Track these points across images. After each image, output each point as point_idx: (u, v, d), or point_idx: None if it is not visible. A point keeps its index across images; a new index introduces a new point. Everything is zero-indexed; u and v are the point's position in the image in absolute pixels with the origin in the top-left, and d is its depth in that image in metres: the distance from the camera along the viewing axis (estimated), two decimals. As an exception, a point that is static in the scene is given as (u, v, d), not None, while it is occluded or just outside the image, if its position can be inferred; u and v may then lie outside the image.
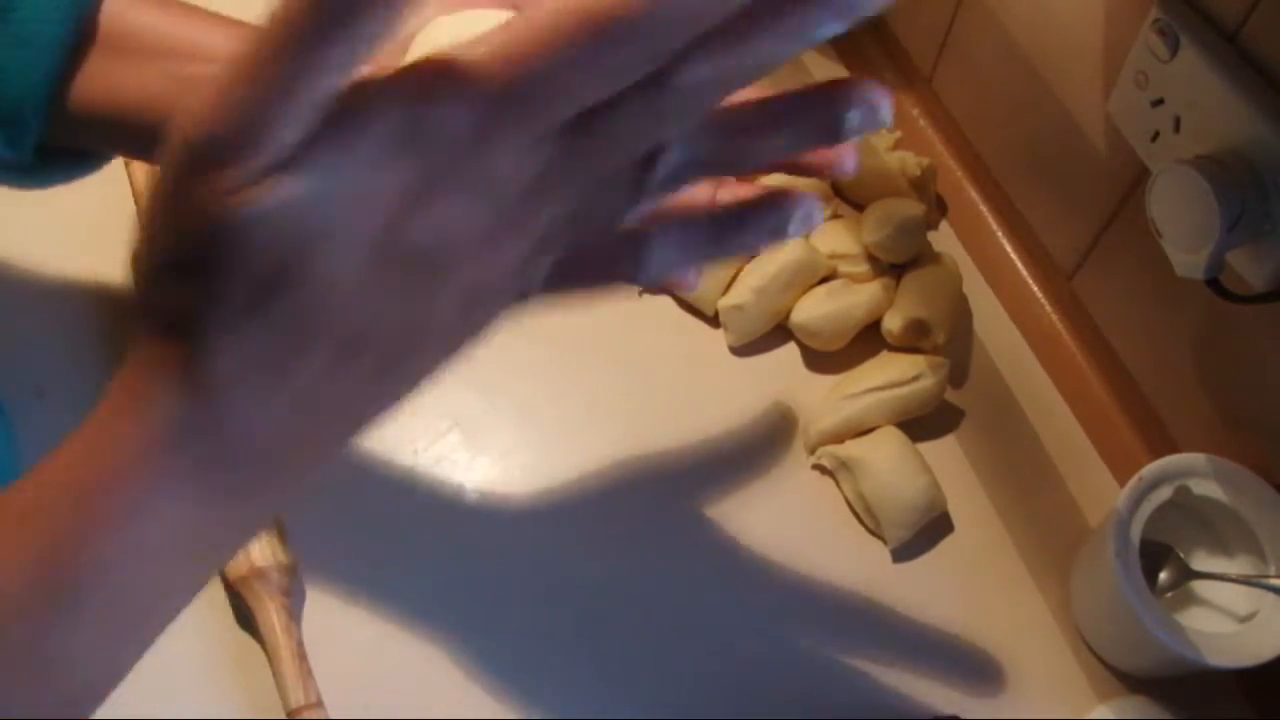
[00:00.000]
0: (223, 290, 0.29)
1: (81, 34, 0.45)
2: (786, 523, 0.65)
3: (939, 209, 0.77)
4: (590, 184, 0.31)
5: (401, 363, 0.33)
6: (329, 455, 0.34)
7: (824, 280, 0.70)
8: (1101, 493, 0.67)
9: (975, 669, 0.62)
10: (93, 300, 0.69)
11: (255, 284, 0.29)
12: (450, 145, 0.28)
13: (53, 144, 0.48)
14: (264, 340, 0.30)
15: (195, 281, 0.29)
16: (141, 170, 0.71)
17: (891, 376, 0.66)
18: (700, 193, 0.38)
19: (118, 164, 0.71)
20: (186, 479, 0.31)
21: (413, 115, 0.28)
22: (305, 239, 0.28)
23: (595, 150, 0.30)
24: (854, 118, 0.32)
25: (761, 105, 0.32)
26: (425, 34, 0.38)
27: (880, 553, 0.65)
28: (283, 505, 0.36)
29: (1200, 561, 0.61)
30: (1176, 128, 0.53)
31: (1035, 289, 0.73)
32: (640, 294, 0.73)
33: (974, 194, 0.77)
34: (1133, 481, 0.59)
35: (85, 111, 0.46)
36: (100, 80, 0.46)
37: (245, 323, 0.29)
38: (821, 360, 0.71)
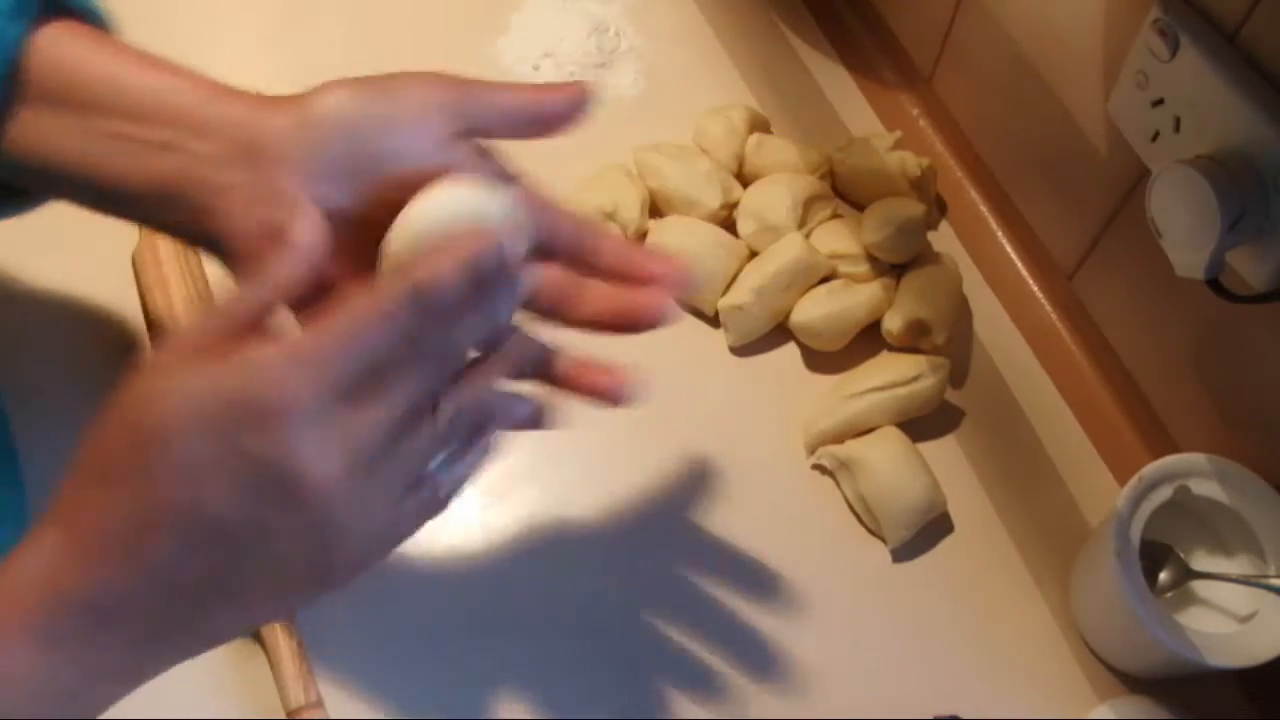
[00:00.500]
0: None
1: (10, 83, 0.43)
2: (786, 523, 0.65)
3: (939, 209, 0.77)
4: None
5: (252, 572, 0.36)
6: (191, 636, 0.39)
7: (824, 280, 0.70)
8: (1101, 493, 0.67)
9: (975, 669, 0.62)
10: (93, 301, 0.69)
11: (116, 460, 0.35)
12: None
13: None
14: (121, 512, 0.35)
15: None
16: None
17: (891, 376, 0.66)
18: None
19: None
20: (40, 624, 0.35)
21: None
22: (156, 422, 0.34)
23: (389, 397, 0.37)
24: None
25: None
26: (413, 210, 0.40)
27: (880, 553, 0.65)
28: (147, 667, 0.39)
29: (1200, 561, 0.61)
30: (1176, 128, 0.53)
31: (1035, 289, 0.73)
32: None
33: (974, 194, 0.77)
34: (1133, 481, 0.59)
35: (18, 159, 0.45)
36: (32, 132, 0.44)
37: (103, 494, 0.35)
38: (821, 360, 0.71)
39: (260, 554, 0.35)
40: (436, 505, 0.41)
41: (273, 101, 0.42)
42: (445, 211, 0.39)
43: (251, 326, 0.36)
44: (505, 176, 0.46)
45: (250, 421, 0.34)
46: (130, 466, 0.35)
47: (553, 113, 0.46)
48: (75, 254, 0.69)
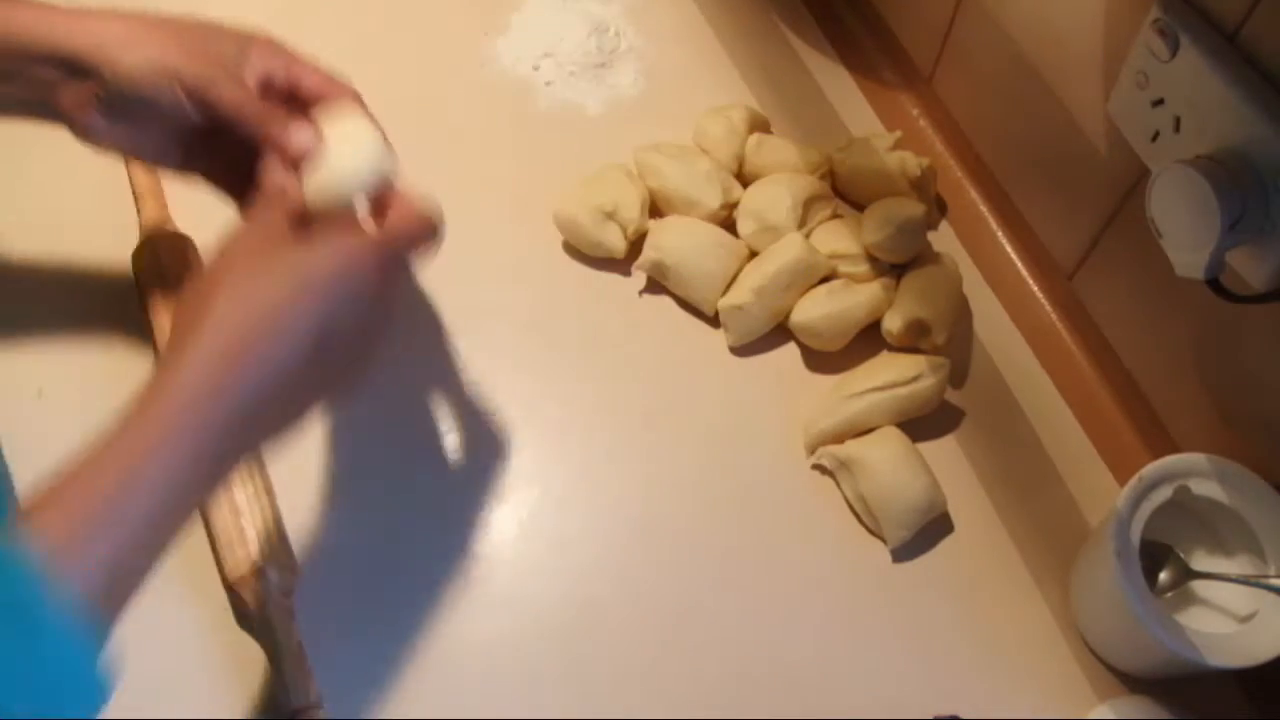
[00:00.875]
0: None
1: None
2: (786, 523, 0.65)
3: (939, 209, 0.77)
4: None
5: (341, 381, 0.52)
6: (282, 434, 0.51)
7: (824, 280, 0.70)
8: (1101, 493, 0.67)
9: (975, 669, 0.62)
10: (93, 300, 0.69)
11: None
12: None
13: None
14: (285, 352, 0.47)
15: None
16: (141, 173, 0.71)
17: (891, 376, 0.66)
18: None
19: (118, 166, 0.71)
20: (205, 424, 0.45)
21: None
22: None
23: None
24: None
25: None
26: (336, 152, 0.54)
27: (880, 553, 0.65)
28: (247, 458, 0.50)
29: (1200, 561, 0.61)
30: (1176, 128, 0.53)
31: (1035, 289, 0.73)
32: (640, 294, 0.73)
33: (974, 194, 0.77)
34: (1133, 481, 0.59)
35: None
36: None
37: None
38: (821, 360, 0.71)
39: (354, 362, 0.51)
40: None
41: (102, 28, 0.54)
42: (364, 155, 0.54)
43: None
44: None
45: (382, 289, 0.50)
46: (298, 319, 0.47)
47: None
48: (75, 254, 0.69)
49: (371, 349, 0.52)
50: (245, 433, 0.47)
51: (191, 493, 0.46)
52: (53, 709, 0.39)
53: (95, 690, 0.41)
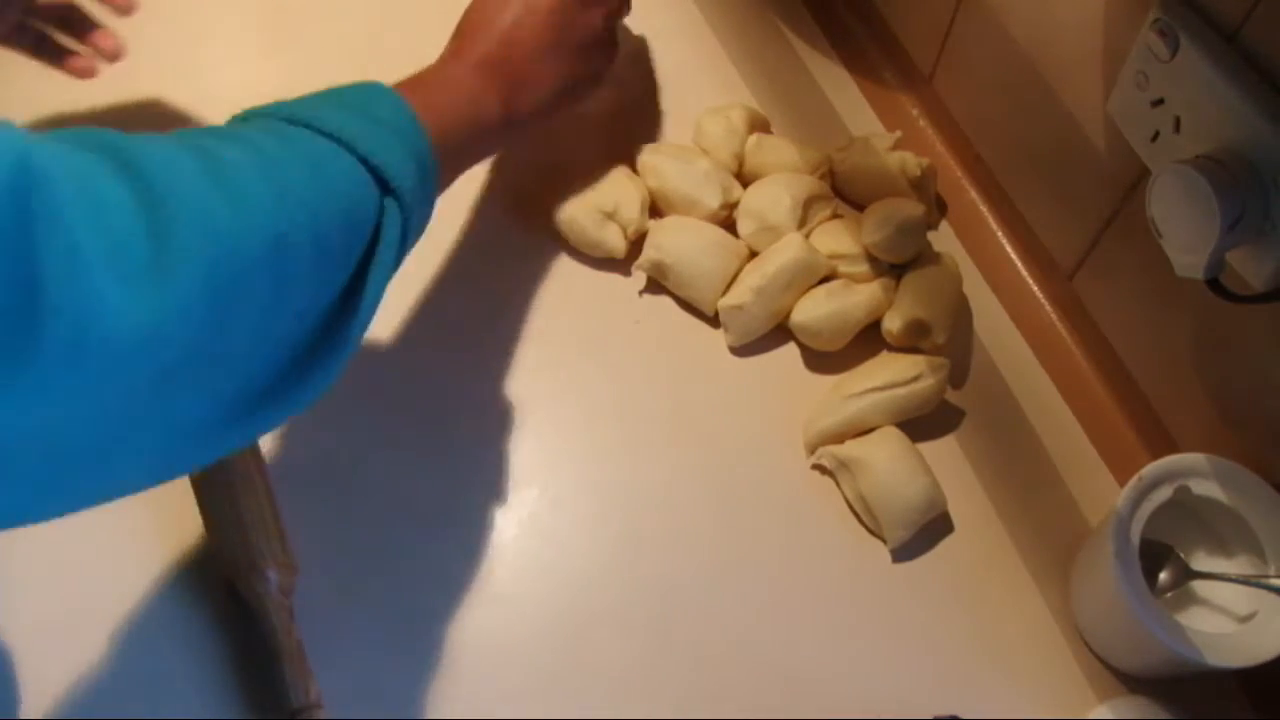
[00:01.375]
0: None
1: None
2: (786, 523, 0.65)
3: (939, 209, 0.77)
4: None
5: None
6: (551, 106, 0.66)
7: (824, 280, 0.70)
8: (1101, 493, 0.67)
9: (975, 669, 0.62)
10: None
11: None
12: None
13: None
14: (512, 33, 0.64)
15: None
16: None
17: (891, 376, 0.66)
18: None
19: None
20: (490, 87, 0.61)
21: None
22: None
23: None
24: None
25: None
26: None
27: (880, 553, 0.65)
28: (527, 122, 0.64)
29: (1200, 561, 0.61)
30: (1176, 128, 0.53)
31: (1035, 289, 0.73)
32: (640, 294, 0.73)
33: (974, 194, 0.77)
34: (1133, 481, 0.59)
35: None
36: None
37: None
38: (821, 360, 0.71)
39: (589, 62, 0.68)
40: None
41: None
42: None
43: None
44: None
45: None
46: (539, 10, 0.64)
47: None
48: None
49: (603, 59, 0.69)
50: (513, 89, 0.62)
51: (480, 135, 0.61)
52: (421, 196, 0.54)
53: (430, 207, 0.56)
